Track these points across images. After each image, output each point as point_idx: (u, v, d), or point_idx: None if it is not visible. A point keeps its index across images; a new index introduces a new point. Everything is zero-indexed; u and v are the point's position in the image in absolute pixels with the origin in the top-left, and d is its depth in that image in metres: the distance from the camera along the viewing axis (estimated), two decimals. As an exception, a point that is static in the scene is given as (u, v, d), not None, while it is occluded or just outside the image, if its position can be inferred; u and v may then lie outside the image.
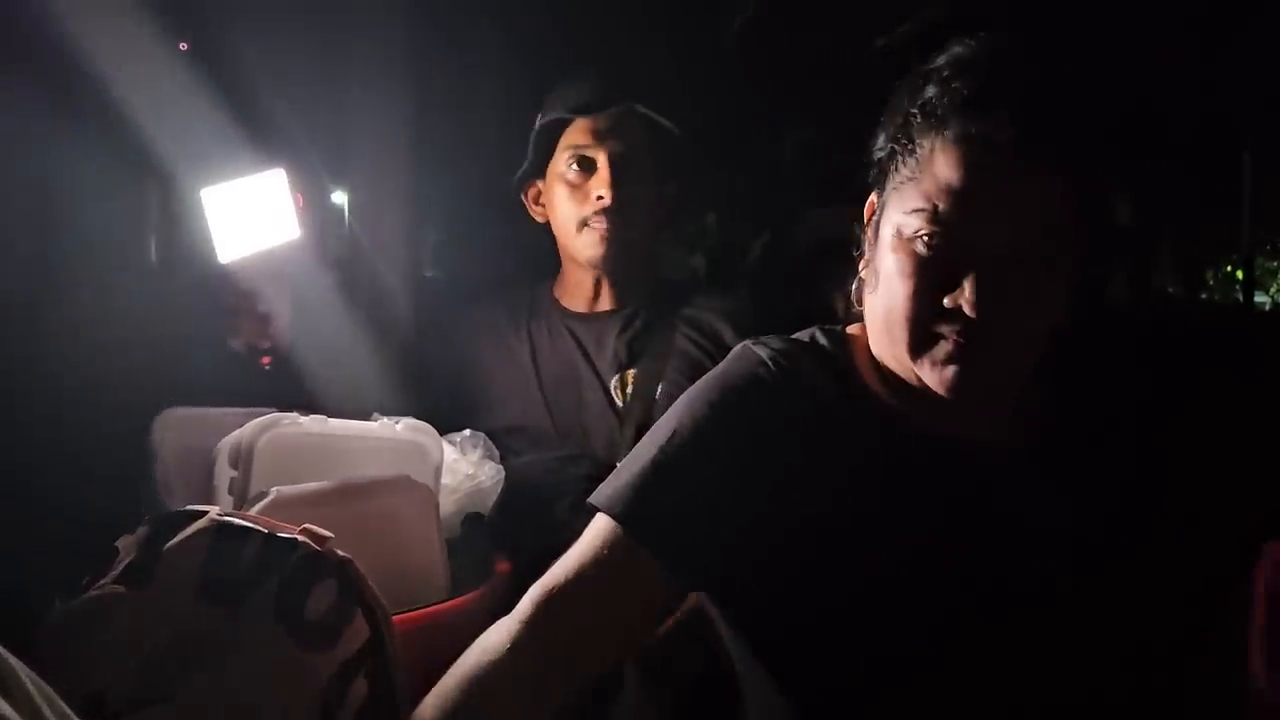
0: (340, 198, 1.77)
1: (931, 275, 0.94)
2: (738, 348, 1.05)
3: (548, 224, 1.73)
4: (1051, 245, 0.92)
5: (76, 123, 1.41)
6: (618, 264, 1.67)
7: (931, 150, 0.93)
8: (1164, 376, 1.08)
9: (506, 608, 1.23)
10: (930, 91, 0.95)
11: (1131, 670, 0.96)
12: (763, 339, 1.05)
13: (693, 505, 0.96)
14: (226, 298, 1.46)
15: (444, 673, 0.95)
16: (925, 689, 0.93)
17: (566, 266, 1.74)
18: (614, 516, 0.96)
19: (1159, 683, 0.97)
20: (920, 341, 0.95)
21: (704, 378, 1.04)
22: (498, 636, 0.95)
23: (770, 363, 1.01)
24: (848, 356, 1.04)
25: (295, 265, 1.49)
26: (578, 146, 1.67)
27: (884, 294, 0.98)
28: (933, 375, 0.96)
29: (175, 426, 1.26)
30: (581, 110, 1.67)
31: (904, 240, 0.95)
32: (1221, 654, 1.08)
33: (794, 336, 1.06)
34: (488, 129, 1.91)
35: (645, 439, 1.01)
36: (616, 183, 1.63)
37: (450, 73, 1.91)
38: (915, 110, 0.95)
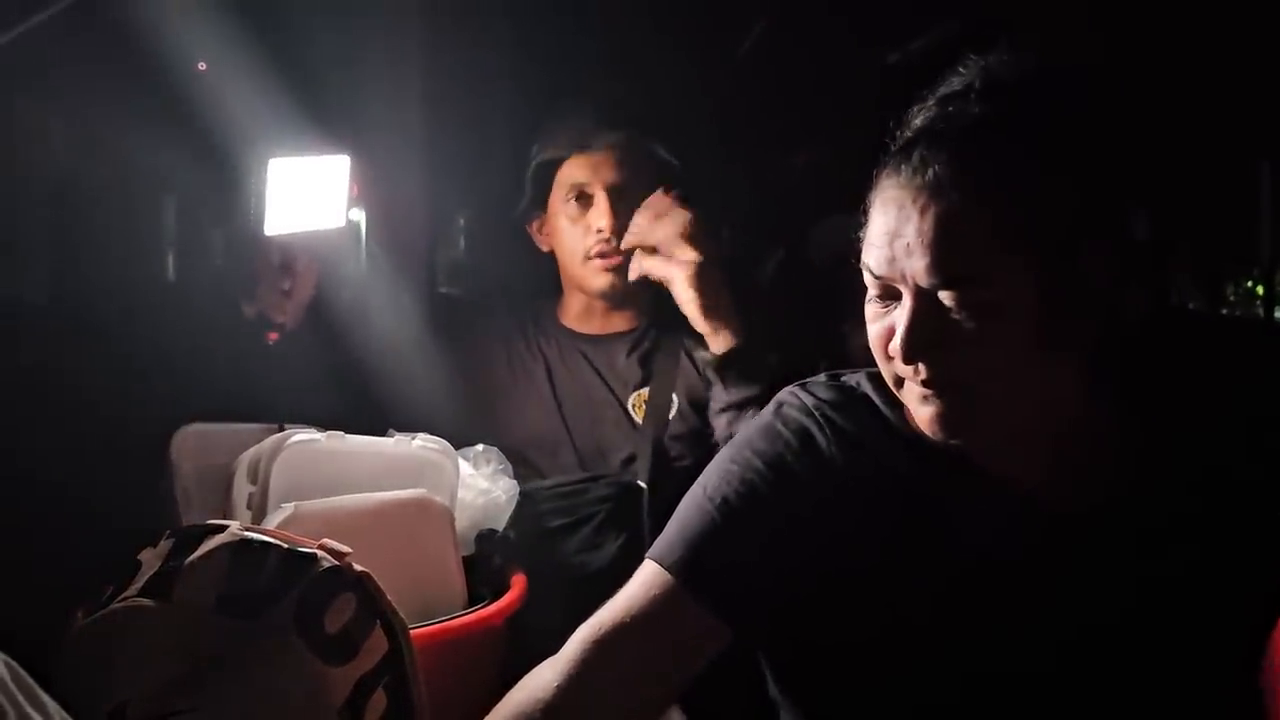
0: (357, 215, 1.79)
1: (881, 325, 0.93)
2: (783, 393, 1.03)
3: (554, 252, 1.74)
4: (979, 277, 0.86)
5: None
6: (626, 294, 1.69)
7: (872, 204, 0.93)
8: (1244, 414, 1.01)
9: (522, 621, 1.23)
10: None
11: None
12: (809, 384, 1.03)
13: (747, 560, 0.96)
14: (255, 262, 1.45)
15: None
16: None
17: (571, 293, 1.75)
18: (669, 569, 0.96)
19: None
20: (898, 388, 0.94)
21: (751, 426, 1.02)
22: (545, 676, 0.94)
23: (818, 413, 0.99)
24: (898, 403, 0.99)
25: (333, 253, 1.49)
26: (575, 183, 1.68)
27: None
28: (919, 419, 0.93)
29: (194, 442, 1.27)
30: (575, 148, 1.68)
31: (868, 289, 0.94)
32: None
33: (841, 381, 1.03)
34: (502, 145, 1.92)
35: (695, 488, 1.00)
36: (615, 214, 1.64)
37: (465, 90, 1.93)
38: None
